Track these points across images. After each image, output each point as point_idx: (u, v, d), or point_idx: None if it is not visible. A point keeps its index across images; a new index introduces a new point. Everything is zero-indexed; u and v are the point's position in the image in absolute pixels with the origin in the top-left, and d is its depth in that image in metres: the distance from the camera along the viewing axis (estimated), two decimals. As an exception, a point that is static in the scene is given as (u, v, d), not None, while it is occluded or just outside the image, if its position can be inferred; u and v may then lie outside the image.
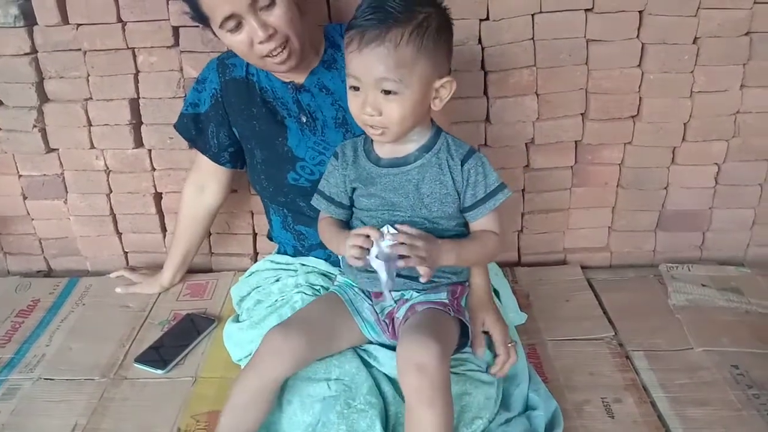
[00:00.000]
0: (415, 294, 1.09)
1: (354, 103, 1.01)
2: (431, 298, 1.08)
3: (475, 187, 1.06)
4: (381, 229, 1.00)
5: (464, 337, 1.10)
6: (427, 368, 0.93)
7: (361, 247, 0.99)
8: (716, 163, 1.61)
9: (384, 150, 1.09)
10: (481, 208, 1.06)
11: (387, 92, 0.97)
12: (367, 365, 1.11)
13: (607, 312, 1.51)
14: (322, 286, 1.30)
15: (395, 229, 1.01)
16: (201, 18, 1.20)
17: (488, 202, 1.06)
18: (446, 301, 1.08)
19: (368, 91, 0.98)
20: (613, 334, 1.43)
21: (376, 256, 0.98)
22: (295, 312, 1.21)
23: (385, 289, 1.01)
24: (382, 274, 0.98)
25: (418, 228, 1.07)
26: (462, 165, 1.05)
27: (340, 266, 1.26)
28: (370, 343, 1.14)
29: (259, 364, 1.04)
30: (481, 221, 1.08)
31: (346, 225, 1.16)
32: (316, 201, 1.17)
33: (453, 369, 1.07)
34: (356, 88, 1.00)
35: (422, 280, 0.98)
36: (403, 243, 0.98)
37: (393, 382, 1.09)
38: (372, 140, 1.10)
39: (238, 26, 1.16)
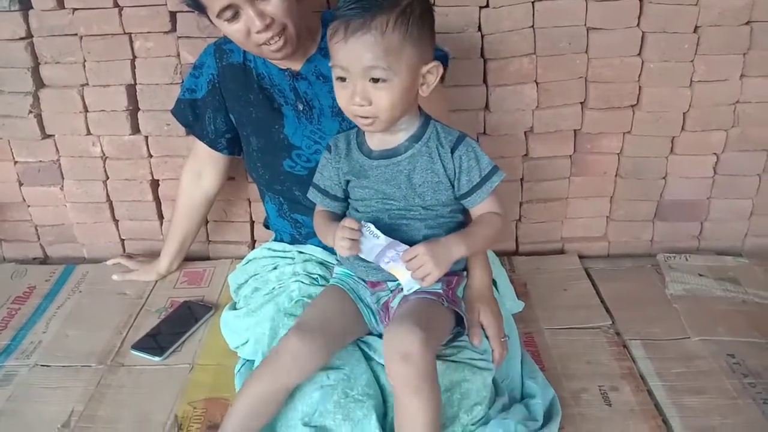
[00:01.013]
0: None
1: (342, 95, 1.01)
2: (426, 288, 1.08)
3: (469, 173, 1.06)
4: (361, 222, 1.04)
5: (460, 326, 1.10)
6: (412, 357, 0.93)
7: (350, 239, 1.03)
8: (715, 153, 1.61)
9: (375, 141, 1.09)
10: (479, 192, 1.07)
11: (375, 80, 0.97)
12: (367, 357, 1.11)
13: (605, 301, 1.51)
14: (319, 274, 1.30)
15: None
16: (198, 6, 1.19)
17: (485, 185, 1.06)
18: (440, 291, 1.08)
19: (356, 80, 0.98)
20: (611, 323, 1.44)
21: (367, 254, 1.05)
22: (294, 302, 1.21)
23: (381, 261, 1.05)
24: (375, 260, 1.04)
25: (413, 216, 1.08)
26: (452, 153, 1.06)
27: (336, 255, 1.26)
28: (370, 334, 1.14)
29: (278, 370, 1.02)
30: (481, 206, 1.08)
31: (341, 218, 1.16)
32: (312, 194, 1.18)
33: (452, 357, 1.07)
34: (343, 79, 0.99)
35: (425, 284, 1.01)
36: (411, 261, 1.01)
37: None
38: (364, 132, 1.10)
39: (236, 15, 1.15)
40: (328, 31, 0.99)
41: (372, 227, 1.04)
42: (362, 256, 1.06)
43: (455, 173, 1.06)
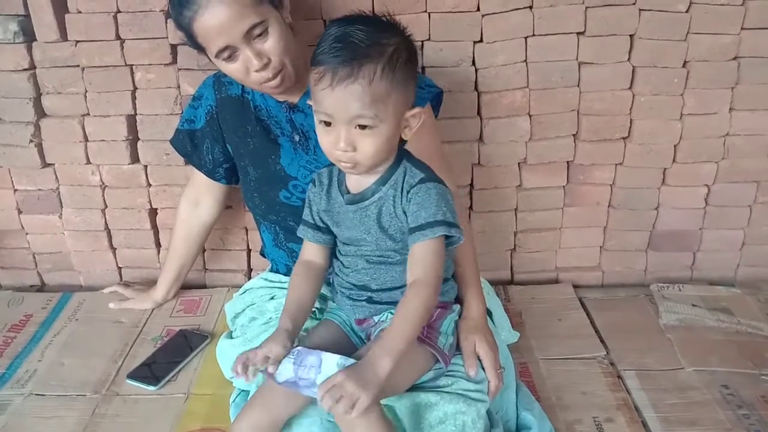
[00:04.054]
0: (390, 317, 1.07)
1: (326, 140, 0.98)
2: None
3: (411, 215, 1.00)
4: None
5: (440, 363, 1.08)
6: (341, 402, 0.90)
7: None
8: (706, 185, 1.63)
9: (351, 182, 1.07)
10: (411, 237, 1.00)
11: (362, 127, 0.95)
12: None
13: (599, 331, 1.52)
14: (316, 307, 1.29)
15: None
16: (197, 46, 1.22)
17: (416, 233, 0.99)
18: None
19: (341, 127, 0.95)
20: (605, 353, 1.44)
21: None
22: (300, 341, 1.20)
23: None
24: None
25: (392, 261, 1.05)
26: (407, 194, 1.01)
27: (331, 287, 1.26)
28: None
29: (272, 403, 1.01)
30: (411, 257, 1.01)
31: (314, 285, 1.12)
32: (303, 231, 1.14)
33: (446, 389, 1.07)
34: (327, 124, 0.97)
35: (354, 414, 0.89)
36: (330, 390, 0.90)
37: (389, 408, 1.08)
38: None
39: (233, 55, 1.18)
40: (312, 76, 0.96)
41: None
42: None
43: (407, 216, 1.01)
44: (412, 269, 1.00)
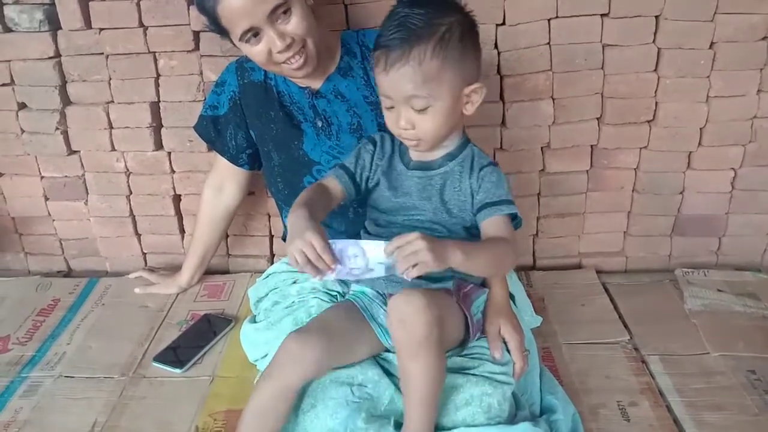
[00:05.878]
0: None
1: (389, 119, 1.06)
2: (437, 286, 1.09)
3: (483, 192, 1.08)
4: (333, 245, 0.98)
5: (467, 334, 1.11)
6: (407, 322, 0.95)
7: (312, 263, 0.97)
8: (733, 168, 1.60)
9: (416, 153, 1.13)
10: (485, 211, 1.07)
11: (419, 110, 1.01)
12: (388, 374, 1.10)
13: (623, 316, 1.51)
14: (338, 292, 1.30)
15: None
16: (220, 30, 1.23)
17: (492, 207, 1.06)
18: (450, 288, 1.10)
19: (401, 107, 1.02)
20: (629, 338, 1.43)
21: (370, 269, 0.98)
22: (311, 317, 1.22)
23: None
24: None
25: (440, 235, 1.08)
26: (479, 172, 1.08)
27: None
28: (388, 351, 1.14)
29: (276, 371, 1.03)
30: (489, 226, 1.06)
31: (326, 203, 1.12)
32: (337, 172, 1.15)
33: (472, 371, 1.08)
34: (389, 105, 1.04)
35: (414, 272, 0.91)
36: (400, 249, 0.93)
37: None
38: None
39: (257, 36, 1.19)
40: (372, 59, 1.04)
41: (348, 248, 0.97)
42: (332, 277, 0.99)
43: (473, 193, 1.08)
44: (496, 232, 1.06)
